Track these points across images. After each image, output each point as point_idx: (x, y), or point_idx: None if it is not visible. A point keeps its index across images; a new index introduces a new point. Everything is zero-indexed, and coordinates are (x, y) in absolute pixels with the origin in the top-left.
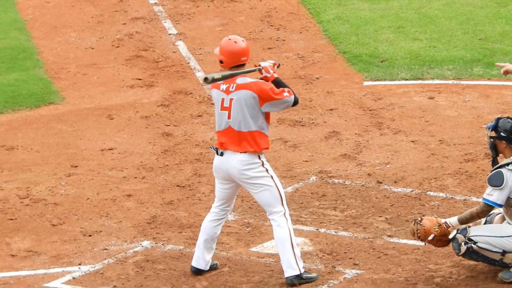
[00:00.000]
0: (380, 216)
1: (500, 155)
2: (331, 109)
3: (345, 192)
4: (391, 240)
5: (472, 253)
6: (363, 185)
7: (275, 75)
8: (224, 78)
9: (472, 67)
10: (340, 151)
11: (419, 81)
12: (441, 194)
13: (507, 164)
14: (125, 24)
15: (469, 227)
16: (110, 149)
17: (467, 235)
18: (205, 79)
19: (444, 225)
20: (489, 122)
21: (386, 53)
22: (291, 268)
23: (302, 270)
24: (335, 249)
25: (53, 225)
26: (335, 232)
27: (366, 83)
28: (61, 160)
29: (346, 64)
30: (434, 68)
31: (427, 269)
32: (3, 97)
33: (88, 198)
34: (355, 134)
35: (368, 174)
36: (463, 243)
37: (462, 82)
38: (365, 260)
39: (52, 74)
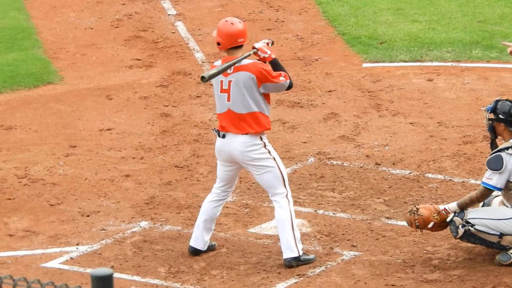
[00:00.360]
0: (378, 198)
1: (499, 137)
2: (329, 91)
3: (344, 173)
4: (389, 222)
5: (470, 236)
6: (361, 167)
7: (273, 56)
8: (220, 72)
9: (471, 50)
10: (338, 133)
11: (418, 63)
12: (439, 176)
13: (507, 148)
14: (124, 4)
15: (466, 209)
16: (109, 130)
17: (464, 217)
18: (202, 78)
19: (443, 211)
20: (487, 104)
21: (385, 35)
22: (290, 249)
23: (301, 253)
24: (333, 230)
25: (51, 205)
26: (333, 213)
27: (365, 64)
28: (60, 140)
29: (345, 45)
30: (433, 50)
31: (424, 251)
32: (2, 77)
33: (86, 178)
34: (354, 115)
35: (367, 155)
36: (460, 226)
37: (461, 64)
38: (363, 242)
39: (51, 54)
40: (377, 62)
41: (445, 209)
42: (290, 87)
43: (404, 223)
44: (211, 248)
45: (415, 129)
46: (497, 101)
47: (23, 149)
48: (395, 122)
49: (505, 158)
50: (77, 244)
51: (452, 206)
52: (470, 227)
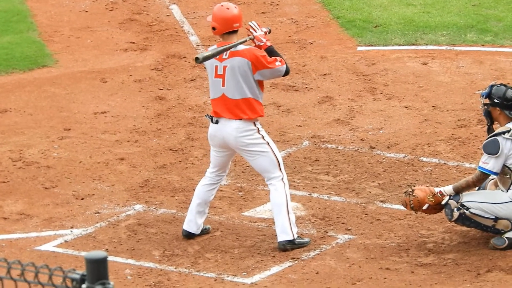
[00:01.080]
0: (373, 182)
1: (495, 123)
2: (324, 74)
3: (338, 157)
4: (384, 206)
5: (465, 219)
6: (356, 150)
7: (268, 43)
8: (215, 54)
9: (466, 33)
10: (333, 116)
11: (413, 47)
12: (434, 160)
13: (503, 133)
14: None
15: (461, 193)
16: (103, 113)
17: (459, 201)
18: (196, 59)
19: (438, 194)
20: (482, 88)
21: (380, 18)
22: (285, 233)
23: (296, 236)
24: (327, 214)
25: (46, 188)
26: (327, 197)
27: (359, 48)
28: (54, 123)
29: (340, 29)
30: (427, 34)
31: (419, 235)
32: None
33: (80, 162)
34: (349, 99)
35: (361, 139)
36: (455, 209)
37: (455, 48)
38: (357, 225)
39: (46, 37)
40: (371, 45)
41: (440, 191)
42: (287, 72)
43: (399, 206)
44: (205, 232)
45: (410, 113)
46: (492, 86)
47: (18, 132)
48: (389, 105)
49: (502, 142)
50: (72, 227)
51: (448, 189)
52: (465, 210)
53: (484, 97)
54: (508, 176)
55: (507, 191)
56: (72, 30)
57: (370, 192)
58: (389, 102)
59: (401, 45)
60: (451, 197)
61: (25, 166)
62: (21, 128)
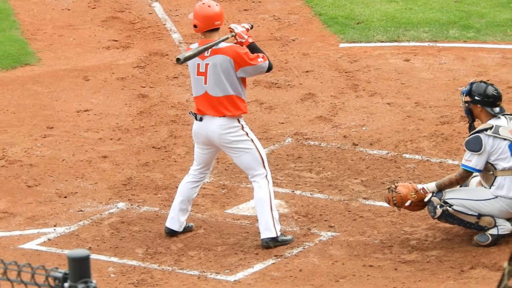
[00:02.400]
0: (356, 178)
1: (477, 120)
2: (307, 71)
3: (321, 154)
4: (367, 203)
5: (448, 216)
6: (338, 147)
7: (250, 40)
8: (196, 54)
9: (448, 30)
10: (315, 113)
11: (395, 43)
12: (416, 157)
13: (486, 129)
14: None
15: (444, 190)
16: (86, 111)
17: (442, 198)
18: (177, 60)
19: (421, 191)
20: (465, 84)
21: (362, 15)
22: (268, 230)
23: (279, 233)
24: (310, 211)
25: (29, 186)
26: (310, 194)
27: (342, 45)
28: (37, 122)
29: (322, 26)
30: (410, 30)
31: (402, 232)
32: None
33: (63, 160)
34: (331, 96)
35: (344, 136)
36: (438, 206)
37: (438, 44)
38: (340, 223)
39: (28, 35)
40: (354, 42)
41: (423, 188)
42: (270, 68)
43: (382, 203)
44: (187, 229)
45: (392, 110)
46: (472, 83)
47: (1, 130)
48: (372, 102)
49: (484, 139)
50: (55, 226)
51: (431, 186)
52: (448, 207)
53: (464, 94)
54: (491, 172)
55: (490, 188)
56: (55, 28)
57: (353, 189)
58: (372, 99)
59: (383, 41)
60: (434, 194)
61: (8, 164)
62: (4, 127)
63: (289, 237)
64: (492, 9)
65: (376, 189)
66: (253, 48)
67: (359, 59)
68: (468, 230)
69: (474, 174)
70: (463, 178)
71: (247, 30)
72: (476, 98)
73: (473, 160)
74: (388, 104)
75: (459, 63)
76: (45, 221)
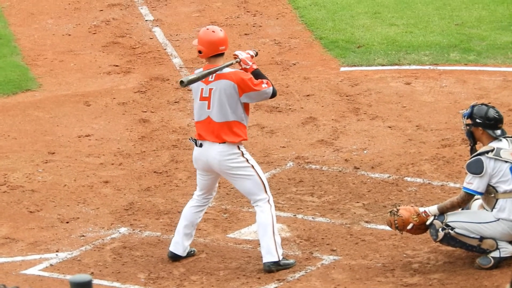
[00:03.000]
0: (358, 202)
1: (478, 143)
2: (308, 95)
3: (322, 178)
4: (369, 226)
5: (450, 239)
6: (340, 171)
7: (254, 66)
8: (200, 78)
9: (449, 53)
10: (317, 137)
11: (396, 67)
12: (418, 180)
13: (487, 152)
14: (102, 10)
15: (446, 213)
16: (87, 136)
17: (444, 221)
18: (181, 83)
19: (423, 214)
20: (466, 107)
21: (362, 38)
22: (270, 254)
23: (281, 257)
24: (312, 235)
25: (31, 212)
26: (312, 218)
27: (342, 68)
28: (38, 147)
29: (322, 50)
30: (410, 54)
31: (404, 255)
32: None
33: (65, 185)
34: (332, 119)
35: (345, 159)
36: (440, 229)
37: (439, 67)
38: (342, 246)
39: (29, 61)
40: (355, 66)
41: (425, 211)
42: (274, 94)
43: (384, 227)
44: (190, 254)
45: (394, 133)
46: (473, 106)
47: (2, 156)
48: (373, 125)
49: (485, 162)
50: (57, 251)
51: (433, 209)
52: (450, 230)
53: (466, 117)
54: (492, 195)
55: (492, 210)
56: (56, 53)
57: (355, 213)
58: (373, 122)
59: (384, 65)
60: (436, 217)
61: (9, 190)
62: (5, 152)
63: (291, 261)
64: (493, 32)
65: (378, 213)
66: (257, 75)
67: (360, 83)
68: (470, 253)
69: (476, 196)
70: (465, 201)
71: (252, 56)
72: (478, 120)
73: (474, 183)
74: (389, 127)
75: (460, 86)
76: (47, 247)
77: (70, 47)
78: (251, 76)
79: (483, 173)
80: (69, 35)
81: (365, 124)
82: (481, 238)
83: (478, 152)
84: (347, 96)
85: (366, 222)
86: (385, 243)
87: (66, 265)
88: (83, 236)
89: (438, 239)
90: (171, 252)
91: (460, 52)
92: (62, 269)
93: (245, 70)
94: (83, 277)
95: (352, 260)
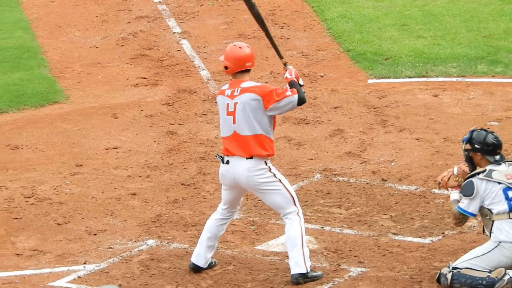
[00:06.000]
0: (385, 214)
1: (478, 168)
2: (335, 107)
3: (350, 190)
4: (396, 238)
5: (460, 277)
6: (367, 183)
7: (294, 79)
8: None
9: (476, 65)
10: (344, 149)
11: (423, 79)
12: (446, 192)
13: (478, 173)
14: (129, 23)
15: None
16: (115, 148)
17: (450, 266)
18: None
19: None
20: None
21: (390, 50)
22: (298, 266)
23: (309, 270)
24: (340, 247)
25: (58, 224)
26: (340, 230)
27: (370, 81)
28: (66, 159)
29: (350, 62)
30: (438, 66)
31: (432, 267)
32: (8, 96)
33: (93, 197)
34: (360, 132)
35: (373, 172)
36: (447, 273)
37: (466, 79)
38: (370, 258)
39: (57, 73)
40: (382, 78)
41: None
42: (301, 102)
43: (411, 238)
44: (211, 266)
45: (421, 145)
46: (472, 131)
47: (30, 168)
48: (401, 138)
49: (477, 183)
50: (85, 263)
51: (453, 196)
52: (459, 270)
53: (465, 142)
54: (488, 217)
55: (490, 234)
56: (83, 66)
57: (382, 225)
58: (400, 135)
59: (411, 77)
60: (441, 270)
61: (37, 202)
62: (33, 165)
63: (318, 273)
64: None
65: (405, 225)
66: (292, 85)
67: (388, 95)
68: None
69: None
70: (458, 219)
71: (297, 76)
72: (476, 146)
73: (465, 203)
74: (417, 139)
75: (487, 98)
76: (75, 259)
77: (97, 59)
78: (275, 88)
79: (473, 195)
80: (97, 47)
81: (392, 136)
82: (490, 270)
83: (470, 174)
84: (374, 108)
85: (394, 234)
86: (413, 255)
87: (93, 277)
88: (111, 248)
89: (448, 282)
90: (193, 264)
91: (487, 64)
92: (90, 281)
93: (286, 79)
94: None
95: (380, 272)
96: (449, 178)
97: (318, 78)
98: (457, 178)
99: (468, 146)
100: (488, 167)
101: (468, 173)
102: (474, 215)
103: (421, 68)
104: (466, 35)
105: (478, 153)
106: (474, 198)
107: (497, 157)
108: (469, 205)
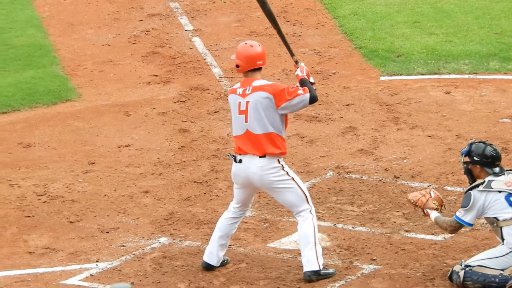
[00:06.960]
0: (398, 211)
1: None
2: (347, 104)
3: (362, 187)
4: (409, 235)
5: (473, 274)
6: (380, 180)
7: (305, 77)
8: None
9: (488, 62)
10: (357, 146)
11: (436, 76)
12: (458, 189)
13: (477, 185)
14: (141, 20)
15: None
16: (127, 146)
17: (462, 264)
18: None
19: (424, 208)
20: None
21: (402, 48)
22: (311, 263)
23: (322, 267)
24: (352, 244)
25: (71, 222)
26: (352, 227)
27: (382, 78)
28: (78, 157)
29: (362, 59)
30: (450, 63)
31: (444, 264)
32: (20, 94)
33: (105, 195)
34: (372, 129)
35: (385, 169)
36: (460, 270)
37: (478, 76)
38: (382, 256)
39: (69, 71)
40: (394, 75)
41: (428, 213)
42: (313, 100)
43: (424, 236)
44: (223, 264)
45: (434, 142)
46: (471, 144)
47: (42, 166)
48: (413, 135)
49: (475, 196)
50: (97, 261)
51: (433, 214)
52: (471, 268)
53: (464, 155)
54: (495, 224)
55: (503, 241)
56: (95, 64)
57: (395, 222)
58: (413, 132)
59: (423, 74)
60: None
61: (49, 200)
62: (45, 163)
63: (331, 270)
64: None
65: (417, 222)
66: (303, 83)
67: (400, 92)
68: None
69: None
70: (452, 227)
71: (308, 74)
72: (475, 158)
73: (462, 213)
74: (429, 136)
75: (499, 95)
76: (87, 257)
77: (110, 57)
78: (287, 86)
79: (469, 206)
80: (109, 45)
81: (405, 134)
82: (502, 269)
83: (470, 186)
84: (386, 105)
85: (406, 231)
86: (425, 252)
87: (106, 275)
88: (123, 246)
89: (461, 279)
90: (205, 263)
91: (499, 61)
92: (102, 279)
93: (297, 76)
94: (123, 285)
95: (392, 269)
96: (427, 200)
97: (330, 75)
98: (435, 201)
99: (467, 159)
100: (487, 179)
101: (441, 200)
102: (471, 225)
103: (433, 65)
104: (478, 32)
105: (477, 166)
106: (470, 210)
107: (496, 169)
108: (465, 215)
